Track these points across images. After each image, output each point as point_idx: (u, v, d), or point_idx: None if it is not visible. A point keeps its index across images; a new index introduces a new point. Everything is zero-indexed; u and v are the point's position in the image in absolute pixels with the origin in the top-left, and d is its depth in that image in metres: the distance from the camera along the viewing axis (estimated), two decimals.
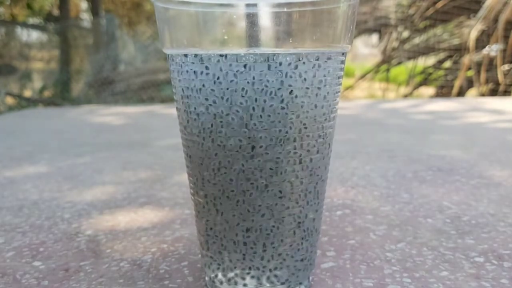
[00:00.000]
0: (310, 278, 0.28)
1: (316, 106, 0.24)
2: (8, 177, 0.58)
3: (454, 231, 0.37)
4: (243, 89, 0.22)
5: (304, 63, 0.22)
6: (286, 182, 0.24)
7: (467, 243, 0.35)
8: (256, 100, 0.22)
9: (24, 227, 0.41)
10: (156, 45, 2.67)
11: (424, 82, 2.52)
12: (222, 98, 0.23)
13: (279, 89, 0.22)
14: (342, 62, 0.25)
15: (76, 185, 0.54)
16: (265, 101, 0.22)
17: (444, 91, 2.31)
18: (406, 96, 2.48)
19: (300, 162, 0.24)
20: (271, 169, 0.23)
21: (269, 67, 0.22)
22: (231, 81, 0.22)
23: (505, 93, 1.95)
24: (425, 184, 0.51)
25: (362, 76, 2.75)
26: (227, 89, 0.22)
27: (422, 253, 0.33)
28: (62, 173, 0.60)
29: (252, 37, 0.22)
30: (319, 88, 0.23)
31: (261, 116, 0.23)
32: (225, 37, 0.22)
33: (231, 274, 0.26)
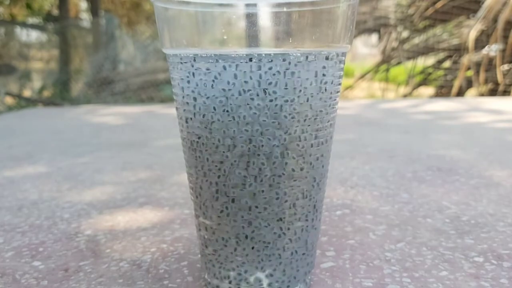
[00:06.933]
0: (310, 278, 0.28)
1: (316, 106, 0.24)
2: (7, 177, 0.58)
3: (453, 231, 0.37)
4: (242, 88, 0.22)
5: (303, 63, 0.22)
6: (285, 180, 0.24)
7: (466, 243, 0.35)
8: (255, 99, 0.22)
9: (24, 227, 0.41)
10: (155, 45, 2.67)
11: (424, 82, 2.52)
12: (221, 97, 0.23)
13: (278, 88, 0.22)
14: (342, 62, 0.25)
15: (75, 185, 0.54)
16: (264, 100, 0.22)
17: (443, 91, 2.31)
18: (405, 96, 2.48)
19: (300, 162, 0.24)
20: (271, 168, 0.23)
21: (268, 67, 0.22)
22: (230, 80, 0.22)
23: (505, 93, 1.95)
24: (425, 184, 0.51)
25: (362, 76, 2.75)
26: (227, 88, 0.22)
27: (421, 253, 0.33)
28: (62, 173, 0.60)
29: (252, 37, 0.22)
30: (318, 88, 0.23)
31: (261, 116, 0.23)
32: (225, 37, 0.22)
33: (231, 274, 0.26)
